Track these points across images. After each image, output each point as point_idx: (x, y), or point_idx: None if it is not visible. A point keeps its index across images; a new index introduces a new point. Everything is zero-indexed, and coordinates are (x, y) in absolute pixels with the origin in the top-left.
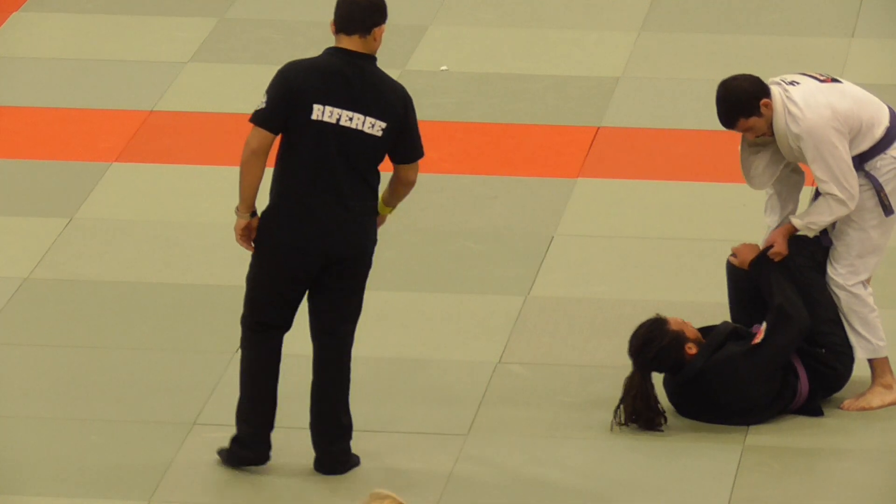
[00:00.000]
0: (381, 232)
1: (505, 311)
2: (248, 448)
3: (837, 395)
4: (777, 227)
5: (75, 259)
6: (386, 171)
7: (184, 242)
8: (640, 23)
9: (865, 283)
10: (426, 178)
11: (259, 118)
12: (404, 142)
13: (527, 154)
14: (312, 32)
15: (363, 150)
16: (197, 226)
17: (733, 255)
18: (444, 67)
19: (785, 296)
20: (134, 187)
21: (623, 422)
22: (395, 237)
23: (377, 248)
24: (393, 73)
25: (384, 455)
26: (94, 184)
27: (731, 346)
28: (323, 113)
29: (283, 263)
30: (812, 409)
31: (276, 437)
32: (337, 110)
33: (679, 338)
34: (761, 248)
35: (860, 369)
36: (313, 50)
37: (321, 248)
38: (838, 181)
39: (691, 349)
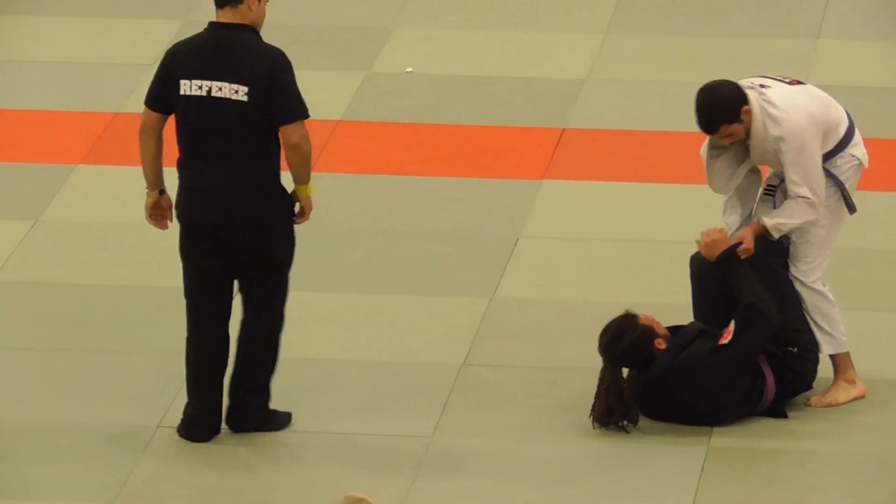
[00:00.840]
0: (347, 234)
1: (470, 312)
2: (188, 425)
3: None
4: (737, 229)
5: (40, 261)
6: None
7: (149, 245)
8: (606, 25)
9: (822, 279)
10: (392, 181)
11: (145, 98)
12: (274, 103)
13: (492, 156)
14: (276, 34)
15: (235, 118)
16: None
17: (703, 242)
18: (409, 69)
19: (755, 294)
20: (99, 190)
21: (599, 420)
22: (360, 239)
23: (340, 250)
24: (358, 76)
25: (350, 456)
26: (59, 186)
27: (700, 344)
28: (190, 87)
29: (188, 235)
30: (777, 411)
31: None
32: (206, 83)
33: (649, 333)
34: (730, 243)
35: (822, 369)
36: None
37: (211, 220)
38: (811, 185)
39: (661, 344)
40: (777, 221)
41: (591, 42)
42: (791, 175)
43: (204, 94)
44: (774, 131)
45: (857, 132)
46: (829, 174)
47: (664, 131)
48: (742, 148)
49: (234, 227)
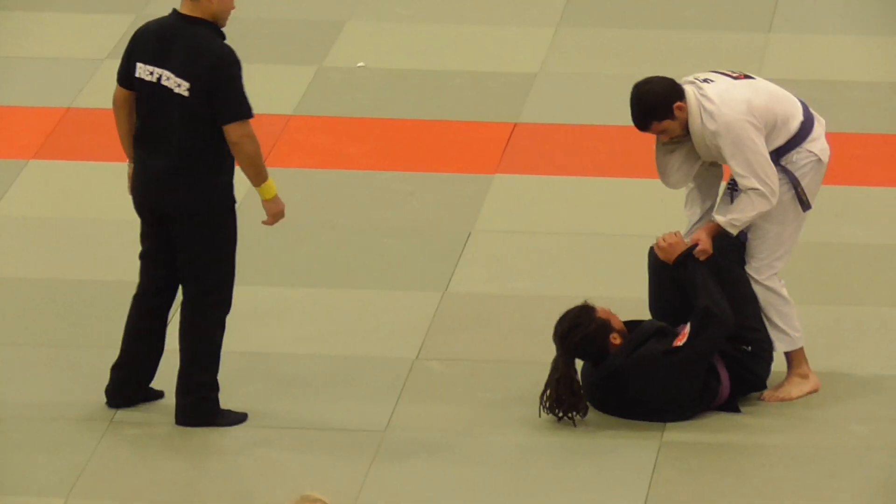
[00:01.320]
0: (299, 228)
1: (423, 307)
2: (111, 393)
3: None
4: (697, 222)
5: None
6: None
7: (102, 239)
8: (558, 18)
9: (777, 275)
10: (344, 175)
11: (117, 73)
12: (216, 103)
13: (444, 150)
14: (228, 27)
15: (176, 109)
16: (115, 223)
17: (659, 245)
18: (361, 64)
19: (710, 297)
20: (52, 184)
21: (548, 408)
22: (312, 233)
23: (293, 244)
24: (310, 70)
25: (302, 451)
26: (11, 181)
27: (654, 343)
28: (144, 72)
29: (137, 212)
30: (730, 406)
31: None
32: (157, 70)
33: (605, 326)
34: (686, 246)
35: (776, 363)
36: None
37: (149, 203)
38: (758, 175)
39: (616, 339)
40: (731, 217)
41: (543, 35)
42: (735, 168)
43: (154, 80)
44: (710, 125)
45: (816, 127)
46: (784, 170)
47: (616, 125)
48: (693, 144)
49: (167, 216)
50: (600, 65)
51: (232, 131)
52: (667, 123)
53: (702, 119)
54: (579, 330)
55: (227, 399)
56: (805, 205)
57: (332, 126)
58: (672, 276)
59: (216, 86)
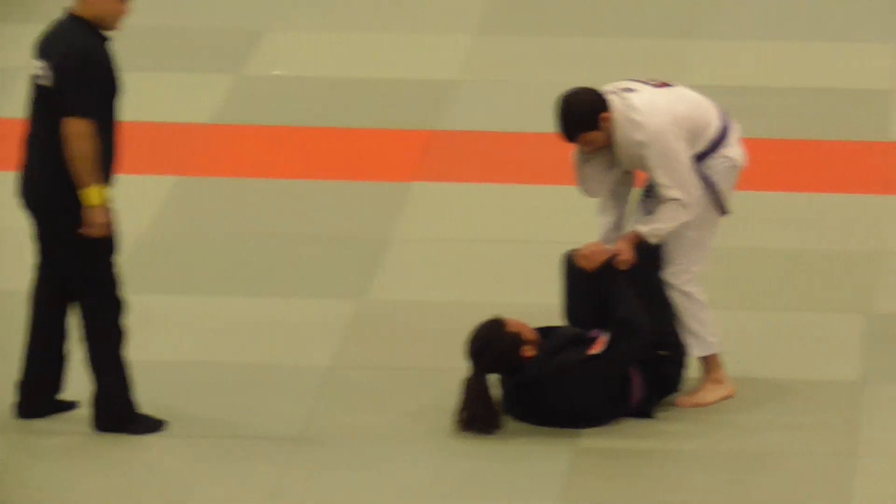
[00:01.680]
0: (216, 237)
1: (339, 315)
2: (21, 400)
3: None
4: (611, 229)
5: None
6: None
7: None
8: (476, 26)
9: (696, 281)
10: (261, 184)
11: None
12: (60, 93)
13: (362, 158)
14: (147, 37)
15: (44, 101)
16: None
17: (582, 254)
18: (277, 72)
19: (630, 308)
20: None
21: (463, 426)
22: (229, 242)
23: (212, 253)
24: (228, 78)
25: (215, 459)
26: None
27: (570, 352)
28: (33, 66)
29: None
30: (644, 412)
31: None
32: (39, 63)
33: (516, 340)
34: (608, 254)
35: (690, 369)
36: (148, 56)
37: (22, 198)
38: (682, 186)
39: (528, 351)
40: (652, 227)
41: (460, 43)
42: (659, 178)
43: (36, 73)
44: (636, 136)
45: (732, 132)
46: (701, 175)
47: (534, 132)
48: (611, 152)
49: (33, 209)
50: (518, 72)
51: (65, 125)
52: (593, 134)
53: (627, 130)
54: (490, 347)
55: (143, 407)
56: (723, 209)
57: (250, 134)
58: (589, 283)
59: (63, 77)
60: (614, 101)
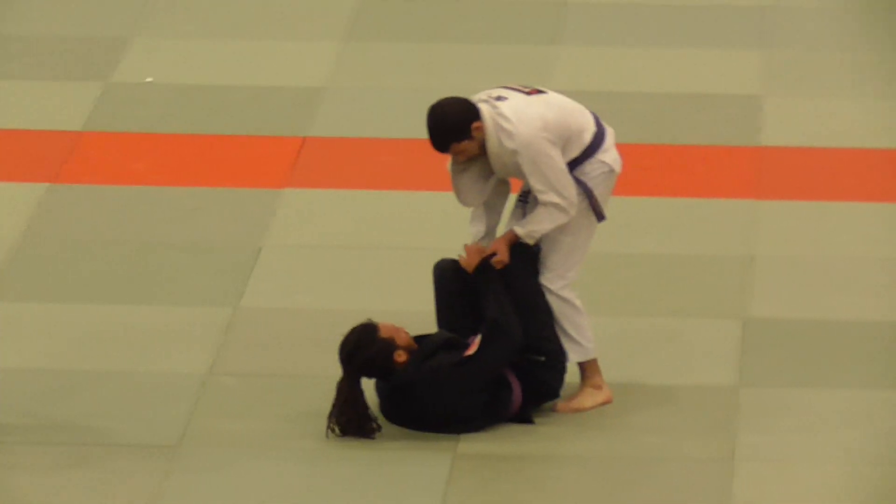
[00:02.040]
0: (86, 245)
1: (214, 322)
2: None
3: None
4: (482, 238)
5: None
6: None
7: None
8: (344, 32)
9: (570, 286)
10: (132, 191)
11: None
12: None
13: (233, 165)
14: (12, 45)
15: None
16: None
17: (460, 254)
18: (149, 79)
19: (501, 309)
20: None
21: (336, 430)
22: (100, 250)
23: (83, 260)
24: (97, 85)
25: (89, 467)
26: None
27: (443, 356)
28: None
29: None
30: (523, 417)
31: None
32: None
33: (388, 345)
34: (485, 252)
35: (569, 374)
36: (15, 63)
37: None
38: (557, 190)
39: (401, 356)
40: (529, 229)
41: (329, 50)
42: (534, 184)
43: None
44: (509, 144)
45: (608, 138)
46: (577, 181)
47: (405, 138)
48: (486, 162)
49: None
50: (388, 78)
51: None
52: (465, 144)
53: (499, 138)
54: (361, 352)
55: (13, 416)
56: (600, 215)
57: (120, 142)
58: (462, 294)
59: None
60: (485, 109)
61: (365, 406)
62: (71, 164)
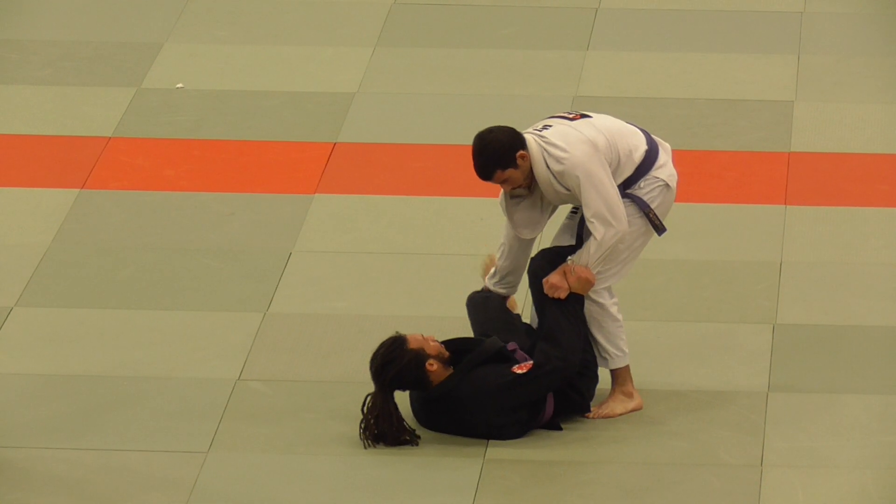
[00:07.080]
0: (118, 250)
1: (244, 328)
2: None
3: None
4: (505, 276)
5: None
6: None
7: None
8: (376, 38)
9: (610, 292)
10: (163, 196)
11: None
12: None
13: (264, 171)
14: (46, 50)
15: None
16: None
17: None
18: (179, 85)
19: (562, 329)
20: None
21: (370, 443)
22: (132, 255)
23: (114, 266)
24: (128, 92)
25: (123, 472)
26: None
27: (493, 368)
28: None
29: None
30: (552, 424)
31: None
32: None
33: (419, 356)
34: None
35: (602, 382)
36: (48, 69)
37: None
38: (612, 210)
39: (432, 366)
40: (584, 258)
41: (360, 55)
42: (587, 205)
43: None
44: (556, 168)
45: (662, 154)
46: (632, 198)
47: (435, 144)
48: (539, 193)
49: None
50: (419, 84)
51: None
52: (510, 172)
53: (546, 164)
54: (392, 366)
55: (45, 424)
56: (659, 228)
57: (152, 147)
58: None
59: None
60: (531, 139)
61: (400, 419)
62: (101, 170)
